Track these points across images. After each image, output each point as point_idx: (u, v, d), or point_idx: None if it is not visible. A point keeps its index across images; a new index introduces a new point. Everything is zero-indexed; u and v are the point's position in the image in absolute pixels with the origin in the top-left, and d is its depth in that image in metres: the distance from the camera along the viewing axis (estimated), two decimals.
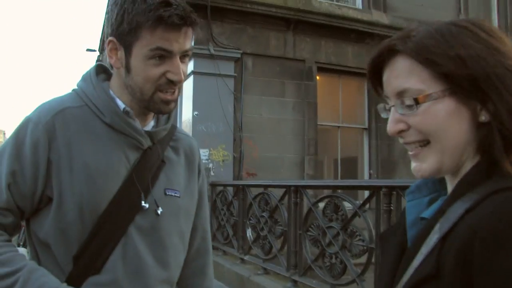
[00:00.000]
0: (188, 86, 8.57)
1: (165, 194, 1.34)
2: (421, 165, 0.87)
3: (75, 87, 1.36)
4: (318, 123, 9.93)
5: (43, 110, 1.27)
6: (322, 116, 10.08)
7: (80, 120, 1.26)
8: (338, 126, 10.62)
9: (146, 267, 1.28)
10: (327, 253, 4.78)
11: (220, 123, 8.90)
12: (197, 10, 9.36)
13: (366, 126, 10.58)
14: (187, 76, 1.35)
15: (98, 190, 1.23)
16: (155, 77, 1.24)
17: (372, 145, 10.45)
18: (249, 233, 6.70)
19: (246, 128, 9.15)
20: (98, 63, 1.45)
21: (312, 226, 5.11)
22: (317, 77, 10.03)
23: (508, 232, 0.69)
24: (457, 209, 0.79)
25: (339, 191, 5.21)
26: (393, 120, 0.88)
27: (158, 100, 1.27)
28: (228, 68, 9.08)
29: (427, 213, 0.90)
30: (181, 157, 1.45)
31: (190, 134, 8.80)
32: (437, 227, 0.81)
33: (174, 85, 1.26)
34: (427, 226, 0.85)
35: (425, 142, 0.86)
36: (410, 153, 0.89)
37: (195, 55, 8.22)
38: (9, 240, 1.23)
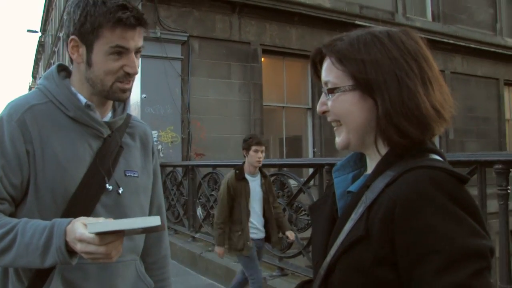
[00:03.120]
0: None
1: (125, 175, 1.52)
2: (337, 139, 1.11)
3: (38, 85, 1.51)
4: (264, 104, 10.15)
5: (12, 108, 1.41)
6: (267, 97, 10.30)
7: (47, 115, 1.42)
8: (283, 107, 10.88)
9: None
10: None
11: (168, 105, 8.97)
12: None
13: (310, 106, 10.87)
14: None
15: (67, 175, 1.39)
16: (114, 70, 1.41)
17: (316, 125, 10.77)
18: (199, 211, 6.88)
19: (193, 109, 9.26)
20: (58, 63, 1.61)
21: None
22: (262, 59, 10.22)
23: (419, 201, 0.87)
24: (379, 184, 0.96)
25: (285, 169, 5.46)
26: (320, 103, 1.11)
27: (117, 89, 1.44)
28: (175, 51, 9.12)
29: (353, 187, 1.08)
30: (137, 142, 1.63)
31: (139, 116, 8.76)
32: (363, 198, 0.98)
33: (130, 77, 1.45)
34: (355, 198, 1.01)
35: (340, 122, 1.09)
36: (334, 129, 1.13)
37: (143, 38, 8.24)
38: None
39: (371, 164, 1.09)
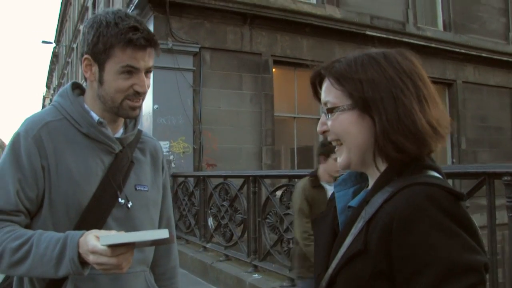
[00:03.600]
0: None
1: (136, 189, 1.57)
2: (339, 159, 1.13)
3: (54, 102, 1.57)
4: (275, 114, 10.17)
5: (28, 124, 1.48)
6: (278, 107, 10.32)
7: (61, 131, 1.48)
8: (294, 117, 10.89)
9: None
10: (284, 239, 5.04)
11: (180, 116, 9.05)
12: (157, 6, 9.35)
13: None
14: (149, 85, 1.58)
15: (80, 190, 1.44)
16: (124, 88, 1.47)
17: None
18: (210, 222, 6.89)
19: (205, 120, 9.33)
20: (72, 81, 1.67)
21: (270, 213, 5.37)
22: (273, 70, 10.26)
23: (415, 216, 0.90)
24: (378, 199, 0.99)
25: (295, 180, 5.47)
26: (320, 122, 1.15)
27: (126, 107, 1.50)
28: (187, 62, 9.21)
29: (354, 203, 1.11)
30: (147, 157, 1.68)
31: (151, 127, 8.81)
32: (363, 213, 1.01)
33: (140, 95, 1.50)
34: (355, 213, 1.04)
35: (340, 142, 1.11)
36: (335, 149, 1.16)
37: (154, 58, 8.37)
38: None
39: (372, 182, 1.11)
